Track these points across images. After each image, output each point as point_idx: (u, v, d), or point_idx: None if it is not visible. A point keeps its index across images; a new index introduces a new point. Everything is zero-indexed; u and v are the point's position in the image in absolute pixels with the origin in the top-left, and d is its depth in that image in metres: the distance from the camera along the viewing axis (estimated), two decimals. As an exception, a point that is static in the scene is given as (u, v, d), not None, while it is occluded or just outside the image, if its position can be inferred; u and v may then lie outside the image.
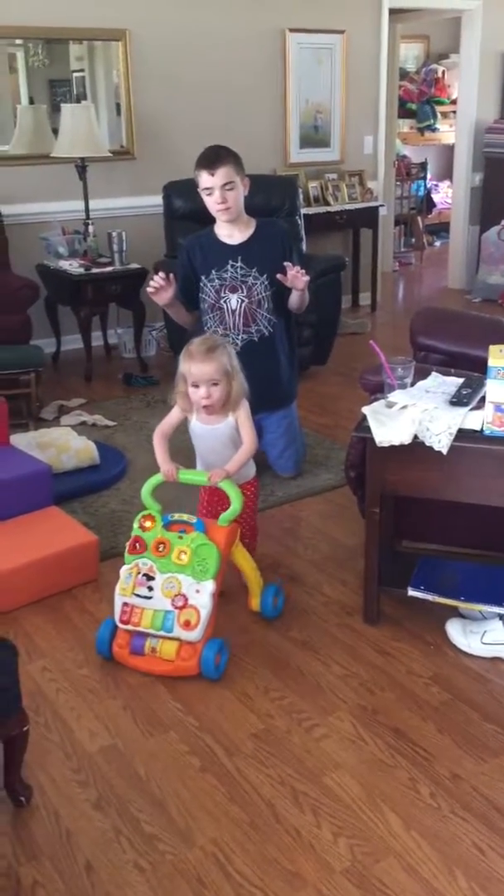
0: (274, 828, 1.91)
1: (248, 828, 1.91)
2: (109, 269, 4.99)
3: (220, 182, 3.15)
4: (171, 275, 3.21)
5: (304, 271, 3.18)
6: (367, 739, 2.17)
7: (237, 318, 3.32)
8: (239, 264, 3.28)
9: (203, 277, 3.33)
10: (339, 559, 3.03)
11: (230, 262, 3.29)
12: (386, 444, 2.35)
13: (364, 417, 2.42)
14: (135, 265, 5.06)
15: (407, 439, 2.32)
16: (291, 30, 5.93)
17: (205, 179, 3.17)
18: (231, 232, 3.33)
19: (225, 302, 3.32)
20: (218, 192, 3.17)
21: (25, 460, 3.22)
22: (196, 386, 2.52)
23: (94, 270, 4.94)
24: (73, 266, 4.97)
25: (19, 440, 3.55)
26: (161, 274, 3.18)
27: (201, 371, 2.50)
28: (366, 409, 2.43)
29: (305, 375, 4.98)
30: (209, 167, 3.14)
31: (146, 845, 1.87)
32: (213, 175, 3.14)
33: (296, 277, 3.15)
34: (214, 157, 3.16)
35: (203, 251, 3.35)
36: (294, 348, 3.60)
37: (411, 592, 2.55)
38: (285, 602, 2.73)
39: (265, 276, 3.28)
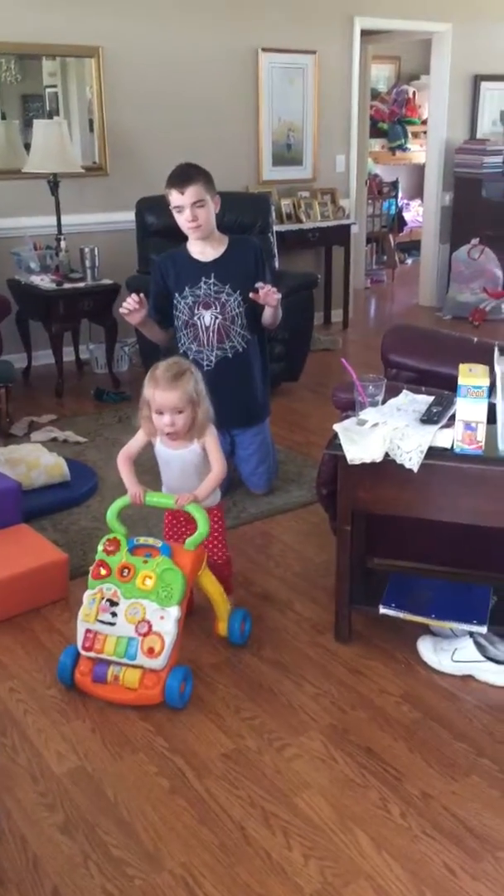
0: (244, 850, 1.89)
1: (217, 850, 1.88)
2: (81, 284, 4.97)
3: (189, 200, 3.16)
4: (143, 295, 3.21)
5: (275, 289, 3.19)
6: (338, 759, 2.16)
7: (211, 334, 3.32)
8: (212, 281, 3.29)
9: (177, 294, 3.33)
10: (311, 577, 3.03)
11: (203, 278, 3.29)
12: (357, 462, 2.35)
13: (335, 435, 2.42)
14: (107, 281, 5.05)
15: (378, 457, 2.33)
16: (264, 49, 5.98)
17: (175, 197, 3.18)
18: (203, 249, 3.33)
19: (199, 319, 3.32)
20: (188, 210, 3.18)
21: (-5, 477, 3.19)
22: (160, 413, 2.48)
23: (66, 286, 4.92)
24: (44, 281, 4.94)
25: (-11, 456, 3.51)
26: (134, 296, 3.18)
27: (165, 399, 2.45)
28: (337, 427, 2.43)
29: (278, 392, 4.99)
30: (179, 185, 3.16)
31: (114, 870, 1.84)
32: (183, 193, 3.16)
33: (268, 295, 3.16)
34: (184, 175, 3.18)
35: (176, 268, 3.35)
36: (267, 365, 3.61)
37: (382, 610, 2.55)
38: (256, 622, 2.72)
39: (238, 292, 3.29)
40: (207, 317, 3.31)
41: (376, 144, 9.36)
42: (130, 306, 3.16)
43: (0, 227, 5.18)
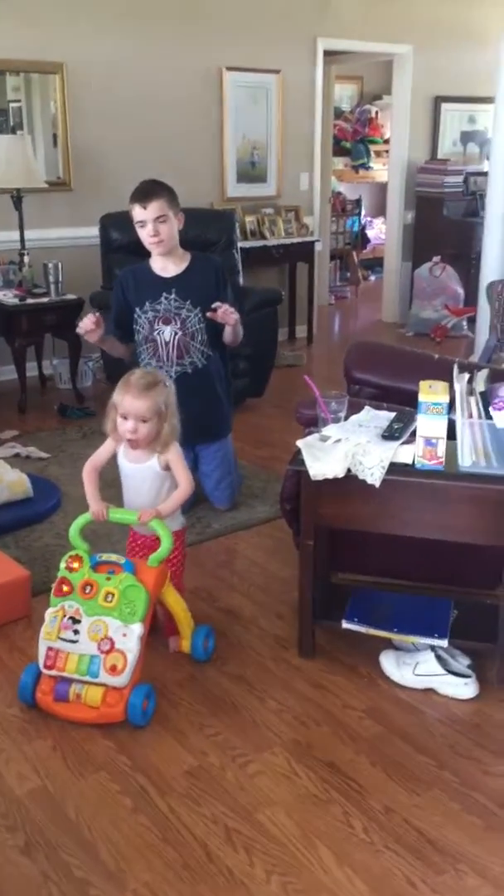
0: (207, 868, 1.88)
1: (180, 869, 1.88)
2: (45, 299, 4.96)
3: (152, 215, 3.19)
4: (99, 314, 3.24)
5: (232, 308, 3.22)
6: (300, 774, 2.16)
7: (171, 349, 3.33)
8: (173, 297, 3.30)
9: (137, 309, 3.35)
10: (275, 592, 3.04)
11: (164, 294, 3.31)
12: (320, 478, 2.37)
13: (298, 451, 2.44)
14: (71, 296, 5.04)
15: (340, 473, 2.35)
16: (228, 68, 6.03)
17: (138, 212, 3.21)
18: (165, 265, 3.35)
19: (158, 334, 3.33)
20: (150, 224, 3.21)
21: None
22: (125, 417, 2.49)
23: (29, 301, 4.90)
24: (7, 296, 4.92)
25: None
26: (91, 315, 3.20)
27: (133, 406, 2.46)
28: (300, 443, 2.45)
29: (242, 407, 5.00)
30: (142, 200, 3.19)
31: (77, 891, 1.82)
32: (145, 208, 3.19)
33: (225, 314, 3.19)
34: (148, 190, 3.21)
35: (137, 283, 3.37)
36: (229, 381, 3.62)
37: (345, 625, 2.57)
38: (220, 637, 2.72)
39: (199, 309, 3.30)
40: (167, 332, 3.32)
41: (340, 163, 9.47)
42: (87, 326, 3.20)
43: (-37, 242, 5.15)
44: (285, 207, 6.59)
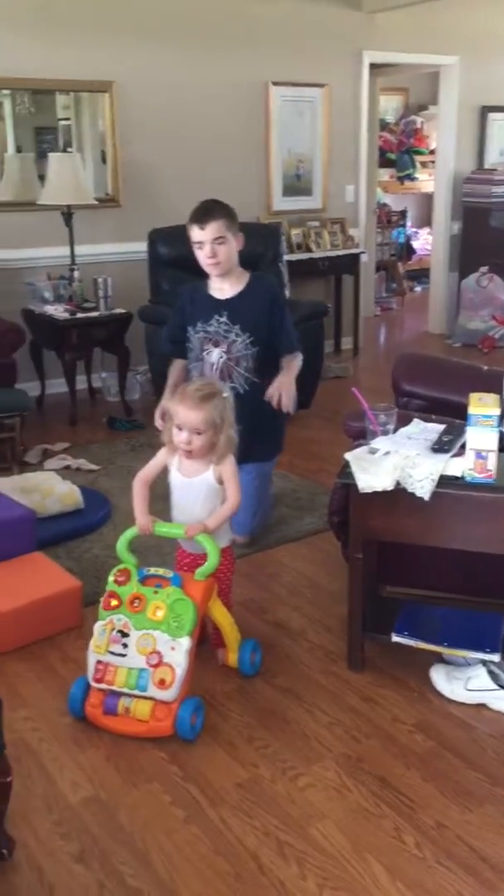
0: (259, 880, 1.89)
1: (232, 880, 1.89)
2: (94, 314, 5.04)
3: (210, 236, 3.12)
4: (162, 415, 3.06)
5: (287, 397, 3.15)
6: (351, 788, 2.16)
7: (215, 372, 3.25)
8: (224, 319, 3.24)
9: (190, 328, 3.30)
10: (323, 605, 3.04)
11: (216, 316, 3.25)
12: (369, 491, 2.37)
13: (347, 464, 2.45)
14: (119, 310, 5.11)
15: (389, 485, 2.35)
16: (275, 83, 6.08)
17: (196, 233, 3.14)
18: (221, 286, 3.28)
19: (207, 354, 3.27)
20: (208, 246, 3.13)
21: (9, 505, 3.22)
22: (180, 428, 2.48)
23: (79, 315, 4.99)
24: (58, 311, 5.01)
25: (3, 484, 3.55)
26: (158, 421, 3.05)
27: (187, 417, 2.46)
28: (348, 456, 2.46)
29: (289, 420, 5.02)
30: (200, 221, 3.12)
31: (129, 900, 1.84)
32: (203, 229, 3.12)
33: (280, 403, 3.14)
34: (206, 211, 3.14)
35: (193, 302, 3.33)
36: (277, 412, 3.27)
37: (395, 638, 2.56)
38: (269, 650, 2.72)
39: (247, 334, 3.22)
40: (215, 354, 3.25)
41: (385, 174, 9.47)
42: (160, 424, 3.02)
43: (15, 258, 5.26)
44: (331, 220, 6.61)
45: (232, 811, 2.08)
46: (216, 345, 3.25)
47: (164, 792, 2.15)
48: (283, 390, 3.17)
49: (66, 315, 4.96)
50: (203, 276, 3.33)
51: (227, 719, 2.43)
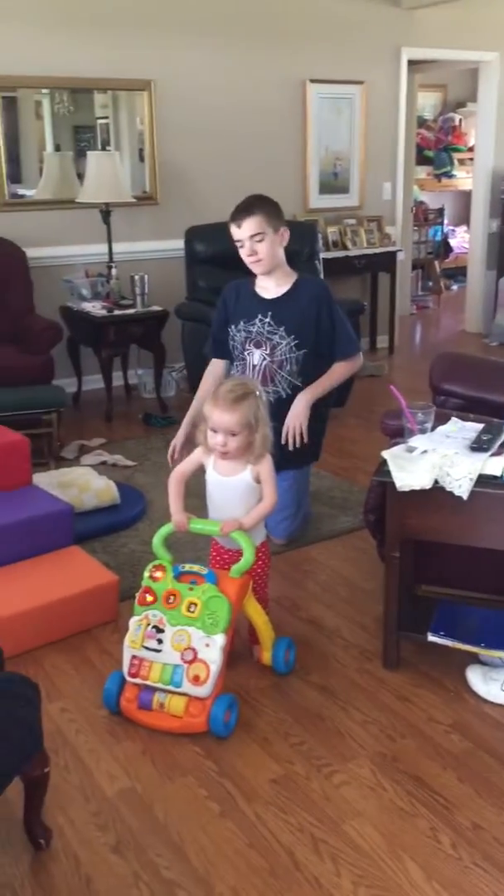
0: (294, 876, 1.89)
1: (267, 875, 1.89)
2: (131, 311, 5.07)
3: (247, 233, 3.04)
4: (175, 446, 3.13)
5: (300, 430, 3.07)
6: (386, 787, 2.15)
7: (257, 374, 3.18)
8: (268, 320, 3.16)
9: (233, 326, 3.24)
10: (358, 603, 3.03)
11: (259, 316, 3.17)
12: (406, 489, 2.36)
13: (384, 462, 2.44)
14: (156, 307, 5.14)
15: (427, 484, 2.34)
16: (312, 80, 6.07)
17: (234, 231, 3.08)
18: (267, 284, 3.21)
19: (248, 355, 3.20)
20: (247, 243, 3.07)
21: (48, 500, 3.25)
22: (214, 431, 2.45)
23: (117, 312, 5.02)
24: (95, 308, 5.05)
25: (41, 479, 3.59)
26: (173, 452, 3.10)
27: (221, 420, 2.42)
28: (386, 454, 2.45)
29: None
30: (236, 219, 3.06)
31: (165, 892, 1.85)
32: (240, 227, 3.05)
33: (294, 439, 3.08)
34: (243, 208, 3.06)
35: (238, 299, 3.25)
36: (320, 417, 3.32)
37: (431, 638, 2.55)
38: (304, 647, 2.73)
39: (293, 337, 3.15)
40: (257, 355, 3.18)
41: (422, 172, 9.42)
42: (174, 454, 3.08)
43: (53, 256, 5.31)
44: (367, 218, 6.58)
45: (267, 807, 2.09)
46: (258, 346, 3.18)
47: (200, 786, 2.16)
48: (297, 424, 3.07)
49: (104, 312, 5.00)
50: (250, 275, 3.25)
51: (261, 715, 2.43)
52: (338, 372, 3.27)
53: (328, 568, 3.31)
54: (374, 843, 1.98)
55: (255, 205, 3.08)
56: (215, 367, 3.39)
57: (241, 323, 3.22)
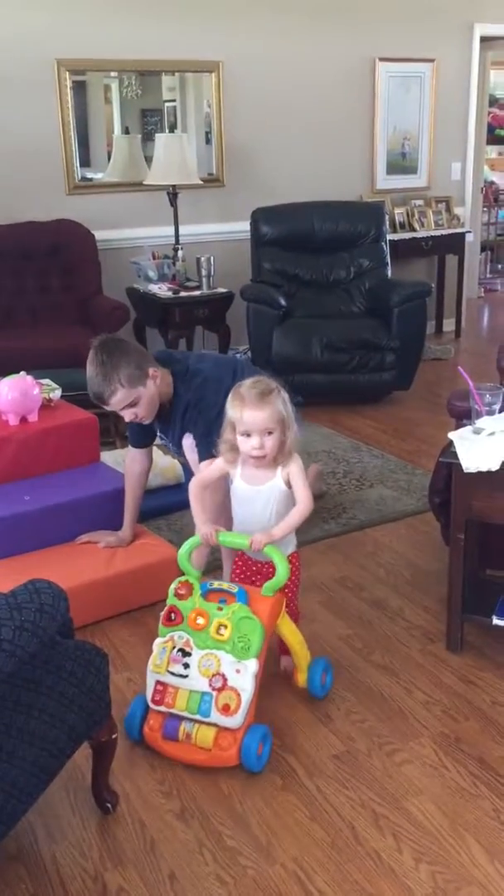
0: (355, 849, 1.91)
1: (328, 847, 1.92)
2: (197, 293, 5.10)
3: (117, 407, 2.77)
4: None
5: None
6: (449, 767, 2.15)
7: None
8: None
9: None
10: (421, 585, 3.02)
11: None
12: (473, 471, 2.34)
13: (451, 443, 2.42)
14: (221, 289, 5.16)
15: (495, 466, 2.32)
16: (381, 59, 5.99)
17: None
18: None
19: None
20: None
21: (115, 477, 3.31)
22: (247, 435, 2.22)
23: (182, 294, 5.06)
24: (161, 290, 5.10)
25: (107, 457, 3.65)
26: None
27: (254, 418, 2.19)
28: (453, 435, 2.43)
29: (388, 400, 5.00)
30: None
31: (228, 859, 1.89)
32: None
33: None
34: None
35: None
36: None
37: (496, 621, 2.52)
38: (366, 628, 2.73)
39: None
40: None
41: (493, 151, 9.23)
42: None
43: (121, 238, 5.37)
44: (436, 198, 6.48)
45: (328, 781, 2.11)
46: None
47: (262, 759, 2.19)
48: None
49: (170, 294, 5.04)
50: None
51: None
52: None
53: (391, 550, 3.30)
54: (436, 822, 1.98)
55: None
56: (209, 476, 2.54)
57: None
